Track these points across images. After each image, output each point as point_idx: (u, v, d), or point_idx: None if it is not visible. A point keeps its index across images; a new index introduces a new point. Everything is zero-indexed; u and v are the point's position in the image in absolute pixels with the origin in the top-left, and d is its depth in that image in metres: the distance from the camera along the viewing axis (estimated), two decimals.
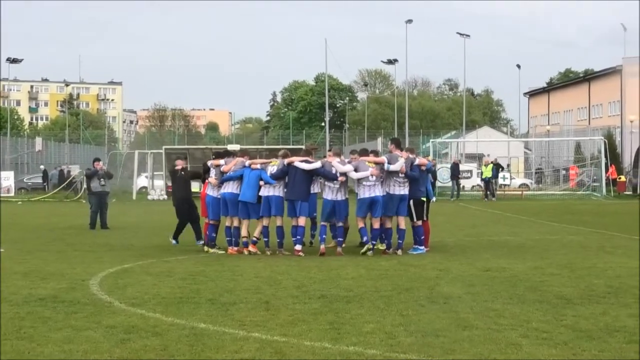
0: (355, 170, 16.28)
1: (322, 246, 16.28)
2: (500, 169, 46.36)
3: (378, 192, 16.23)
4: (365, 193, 16.20)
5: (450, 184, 45.79)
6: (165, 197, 46.55)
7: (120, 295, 11.04)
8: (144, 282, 12.40)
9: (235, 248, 16.83)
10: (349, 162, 16.61)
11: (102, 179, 24.51)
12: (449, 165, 48.85)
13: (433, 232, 18.00)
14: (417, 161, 16.73)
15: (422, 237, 16.70)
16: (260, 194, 16.54)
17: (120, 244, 19.09)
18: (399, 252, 16.38)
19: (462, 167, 49.20)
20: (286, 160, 16.56)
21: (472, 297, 10.77)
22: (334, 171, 16.29)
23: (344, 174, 16.33)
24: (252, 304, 10.30)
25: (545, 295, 10.87)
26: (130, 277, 12.95)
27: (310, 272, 13.43)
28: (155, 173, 50.74)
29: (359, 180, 16.28)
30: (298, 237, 16.32)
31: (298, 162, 16.39)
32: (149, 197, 46.99)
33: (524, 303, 10.27)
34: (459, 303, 10.28)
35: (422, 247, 16.64)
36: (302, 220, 16.38)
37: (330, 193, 16.37)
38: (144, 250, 17.50)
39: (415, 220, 16.71)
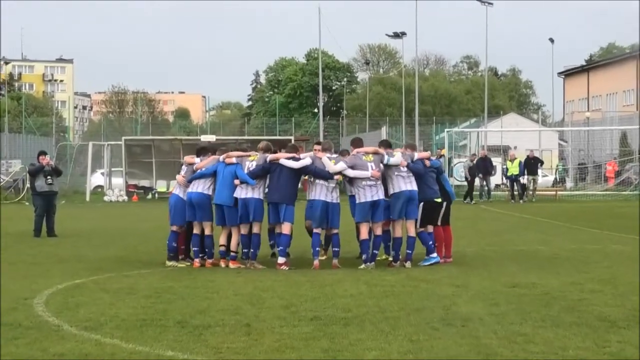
0: (352, 168, 16.24)
1: (316, 261, 16.28)
2: (540, 165, 46.04)
3: (381, 194, 16.22)
4: (366, 196, 16.15)
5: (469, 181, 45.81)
6: (126, 198, 46.55)
7: (70, 317, 11.02)
8: (99, 301, 12.39)
9: (210, 260, 16.80)
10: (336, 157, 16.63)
11: (48, 177, 24.46)
12: (468, 161, 48.74)
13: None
14: (416, 155, 16.77)
15: (431, 243, 16.71)
16: (236, 195, 16.49)
17: (70, 254, 19.06)
18: (408, 264, 16.40)
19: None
20: (269, 157, 16.53)
21: (495, 318, 10.79)
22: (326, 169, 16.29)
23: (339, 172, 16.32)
24: (230, 327, 10.30)
25: (585, 317, 10.88)
26: (83, 295, 12.93)
27: (300, 289, 13.43)
28: (113, 169, 50.69)
29: (357, 180, 16.24)
30: (281, 247, 16.31)
31: (284, 160, 16.35)
32: (106, 199, 46.95)
33: (559, 326, 10.28)
34: (480, 326, 10.29)
35: (435, 255, 16.66)
36: (286, 227, 16.34)
37: (323, 193, 16.31)
38: (100, 262, 17.48)
39: (418, 226, 16.68)
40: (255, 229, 16.56)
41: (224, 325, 10.45)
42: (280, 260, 16.19)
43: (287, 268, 16.02)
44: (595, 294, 12.74)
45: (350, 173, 16.28)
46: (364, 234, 16.37)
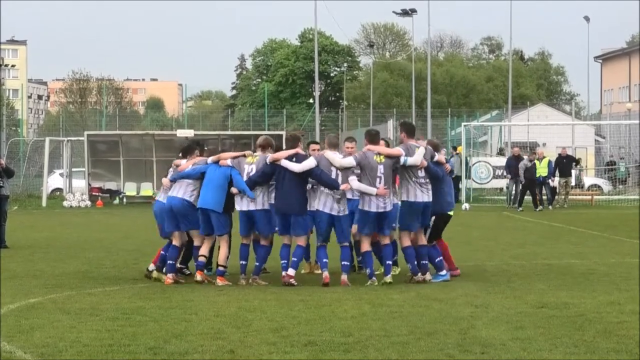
0: (360, 171, 16.19)
1: (326, 273, 16.26)
2: (576, 164, 45.84)
3: (389, 205, 16.23)
4: (371, 204, 16.13)
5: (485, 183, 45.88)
6: (89, 203, 46.50)
7: (25, 342, 11.03)
8: (58, 323, 12.41)
9: (199, 274, 16.66)
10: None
11: None
12: (490, 160, 48.74)
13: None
14: (437, 157, 16.82)
15: (440, 259, 16.88)
16: (238, 208, 16.51)
17: (24, 269, 19.06)
18: (428, 276, 16.56)
19: (497, 160, 48.75)
20: (269, 158, 16.54)
21: (520, 344, 10.82)
22: (333, 174, 16.24)
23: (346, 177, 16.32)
24: (212, 354, 10.32)
25: (625, 343, 10.91)
26: (40, 317, 12.95)
27: (293, 309, 13.46)
28: (73, 169, 50.61)
29: (362, 181, 16.27)
30: (294, 259, 16.35)
31: (285, 161, 16.31)
32: (65, 204, 46.84)
33: (594, 353, 10.32)
34: (503, 353, 10.33)
35: (445, 273, 16.83)
36: (301, 240, 16.47)
37: (329, 204, 16.21)
38: (59, 278, 17.49)
39: (426, 241, 16.85)
40: (263, 242, 16.74)
41: (204, 351, 10.47)
42: (291, 272, 16.28)
43: (295, 283, 16.11)
44: (637, 316, 12.77)
45: (354, 184, 16.20)
46: (366, 246, 16.44)
